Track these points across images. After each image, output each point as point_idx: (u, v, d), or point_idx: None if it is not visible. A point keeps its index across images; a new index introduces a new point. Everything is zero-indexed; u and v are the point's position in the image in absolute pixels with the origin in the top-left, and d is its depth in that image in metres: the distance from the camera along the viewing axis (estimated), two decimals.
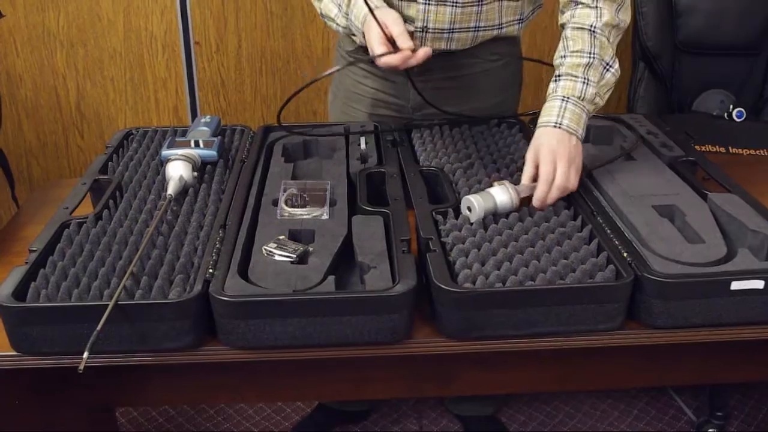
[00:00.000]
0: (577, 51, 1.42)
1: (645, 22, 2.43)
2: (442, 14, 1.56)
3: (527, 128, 1.68)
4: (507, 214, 1.32)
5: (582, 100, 1.39)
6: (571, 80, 1.40)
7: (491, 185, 1.34)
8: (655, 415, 2.22)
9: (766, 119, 2.43)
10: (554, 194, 1.34)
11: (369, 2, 1.40)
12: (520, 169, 1.48)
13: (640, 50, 2.47)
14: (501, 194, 1.32)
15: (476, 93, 1.71)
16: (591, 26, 1.44)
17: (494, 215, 1.31)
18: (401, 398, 2.25)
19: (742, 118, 2.34)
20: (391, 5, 1.54)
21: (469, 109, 1.73)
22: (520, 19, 1.66)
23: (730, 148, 2.15)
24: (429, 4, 1.55)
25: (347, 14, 1.55)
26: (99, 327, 1.04)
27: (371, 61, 1.51)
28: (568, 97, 1.39)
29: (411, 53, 1.40)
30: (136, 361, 1.15)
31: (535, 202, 1.34)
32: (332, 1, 1.59)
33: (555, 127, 1.38)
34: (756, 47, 2.43)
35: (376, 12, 1.41)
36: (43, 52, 2.64)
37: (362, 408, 2.17)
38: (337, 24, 1.61)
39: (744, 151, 2.14)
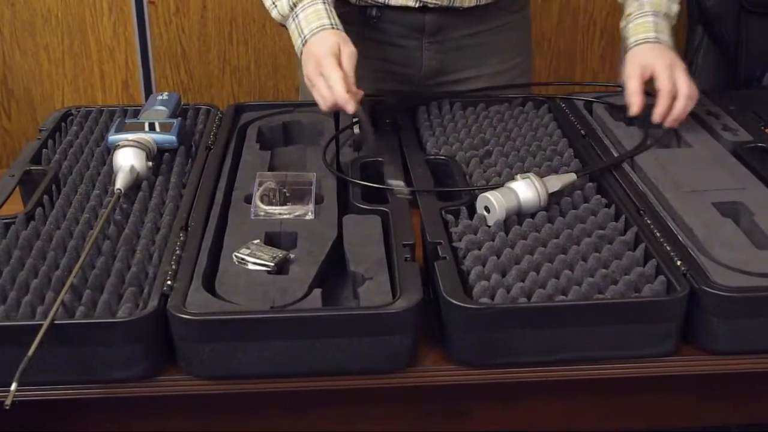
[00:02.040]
0: None
1: None
2: None
3: (559, 107, 1.69)
4: (533, 214, 1.32)
5: (668, 15, 1.55)
6: None
7: (513, 178, 1.35)
8: None
9: None
10: (682, 104, 1.47)
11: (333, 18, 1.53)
12: (550, 159, 1.49)
13: (697, 11, 2.47)
14: (526, 190, 1.32)
15: (498, 52, 1.73)
16: None
17: (518, 215, 1.32)
18: None
19: None
20: None
21: (490, 72, 1.75)
22: None
23: None
24: None
25: (294, 5, 1.57)
26: (31, 352, 1.03)
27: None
28: (657, 12, 1.56)
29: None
30: (78, 395, 1.15)
31: (657, 117, 1.47)
32: None
33: (656, 42, 1.55)
34: None
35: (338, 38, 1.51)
36: None
37: None
38: (275, 5, 1.60)
39: None
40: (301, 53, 1.55)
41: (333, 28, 1.53)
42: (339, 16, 1.74)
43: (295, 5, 1.56)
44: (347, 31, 1.62)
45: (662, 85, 1.48)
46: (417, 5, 1.66)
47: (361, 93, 1.48)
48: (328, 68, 1.45)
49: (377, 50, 1.72)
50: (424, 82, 1.75)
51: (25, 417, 1.60)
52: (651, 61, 1.51)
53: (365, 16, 1.68)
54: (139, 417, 1.63)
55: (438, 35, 1.69)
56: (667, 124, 1.50)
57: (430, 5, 1.66)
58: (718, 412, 1.69)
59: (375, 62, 1.74)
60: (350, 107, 1.45)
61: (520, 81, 1.84)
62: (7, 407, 1.03)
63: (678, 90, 1.49)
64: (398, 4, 1.67)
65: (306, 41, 1.53)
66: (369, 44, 1.73)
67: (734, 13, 2.44)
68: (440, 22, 1.68)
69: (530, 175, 1.34)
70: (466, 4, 1.66)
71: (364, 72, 1.74)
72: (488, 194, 1.31)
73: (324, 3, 1.56)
